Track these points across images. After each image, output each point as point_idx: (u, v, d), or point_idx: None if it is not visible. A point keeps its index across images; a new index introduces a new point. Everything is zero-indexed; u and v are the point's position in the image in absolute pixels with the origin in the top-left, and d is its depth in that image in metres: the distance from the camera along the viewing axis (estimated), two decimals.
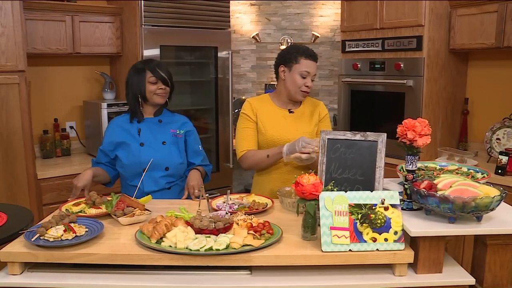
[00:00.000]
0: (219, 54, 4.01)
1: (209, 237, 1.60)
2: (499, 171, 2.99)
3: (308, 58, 2.29)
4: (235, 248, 1.55)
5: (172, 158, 2.35)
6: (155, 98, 2.34)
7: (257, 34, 4.58)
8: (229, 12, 4.04)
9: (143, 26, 3.51)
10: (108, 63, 4.01)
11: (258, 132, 2.36)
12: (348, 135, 1.90)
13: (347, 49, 3.86)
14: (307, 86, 2.30)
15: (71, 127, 3.84)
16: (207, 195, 1.93)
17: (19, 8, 2.94)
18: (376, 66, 3.63)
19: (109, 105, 3.51)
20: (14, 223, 1.88)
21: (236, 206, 2.02)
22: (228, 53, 4.02)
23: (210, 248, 1.54)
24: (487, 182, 1.81)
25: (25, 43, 3.06)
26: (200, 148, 2.49)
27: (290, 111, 2.39)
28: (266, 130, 2.34)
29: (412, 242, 1.62)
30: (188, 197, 2.26)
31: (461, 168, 2.05)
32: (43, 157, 3.62)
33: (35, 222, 1.96)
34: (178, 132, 2.40)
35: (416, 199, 1.67)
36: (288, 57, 2.31)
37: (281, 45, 4.55)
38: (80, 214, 1.92)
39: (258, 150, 2.34)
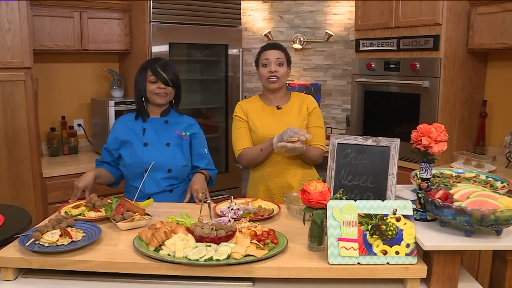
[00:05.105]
0: (230, 52, 3.93)
1: (210, 246, 1.52)
2: None
3: (267, 49, 2.41)
4: (236, 259, 1.47)
5: (175, 160, 2.29)
6: (155, 98, 2.29)
7: (269, 32, 4.49)
8: (240, 9, 3.96)
9: (152, 23, 3.45)
10: (116, 60, 3.96)
11: (250, 130, 2.44)
12: (359, 140, 1.80)
13: (361, 48, 3.75)
14: (271, 72, 2.35)
15: (79, 125, 3.80)
16: (209, 201, 1.85)
17: (25, 4, 2.90)
18: (390, 66, 3.52)
19: (116, 103, 3.46)
20: (11, 225, 1.83)
21: (241, 212, 1.94)
22: (239, 51, 3.93)
23: (210, 258, 1.46)
24: (509, 190, 1.71)
25: (32, 40, 3.01)
26: (206, 152, 2.42)
27: (278, 108, 2.44)
28: (257, 128, 2.40)
29: (426, 256, 1.52)
30: (191, 201, 2.19)
31: (479, 175, 1.94)
32: (50, 155, 3.58)
33: (39, 221, 1.90)
34: (183, 134, 2.34)
35: (430, 209, 1.57)
36: (256, 58, 2.45)
37: (294, 43, 4.45)
38: (79, 217, 1.86)
39: (252, 147, 2.41)
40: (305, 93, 4.01)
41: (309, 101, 2.47)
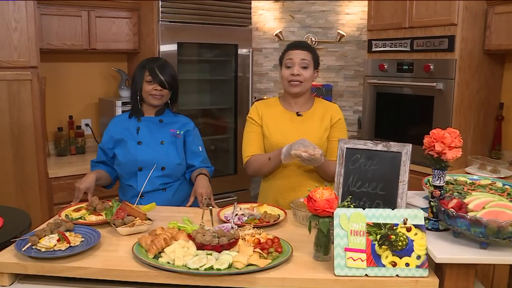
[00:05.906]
0: (240, 52, 3.86)
1: (211, 254, 1.46)
2: None
3: (292, 48, 2.21)
4: (238, 268, 1.41)
5: (169, 158, 2.26)
6: (150, 99, 2.27)
7: (280, 32, 4.42)
8: (250, 8, 3.89)
9: (160, 22, 3.40)
10: (125, 60, 3.92)
11: (263, 136, 2.26)
12: (369, 145, 1.72)
13: (373, 49, 3.66)
14: (293, 75, 2.16)
15: (87, 125, 3.77)
16: (211, 207, 1.78)
17: (33, 3, 2.87)
18: (404, 67, 3.42)
19: (124, 103, 3.42)
20: (10, 228, 1.79)
21: (246, 218, 1.88)
22: (249, 51, 3.87)
23: (211, 267, 1.40)
24: None
25: (39, 39, 2.98)
26: (200, 149, 2.38)
27: (298, 114, 2.24)
28: (271, 134, 2.22)
29: (437, 268, 1.44)
30: (194, 205, 2.13)
31: (495, 183, 1.85)
32: (57, 155, 3.55)
33: (44, 221, 1.86)
34: (178, 133, 2.32)
35: (443, 219, 1.49)
36: (281, 56, 2.27)
37: None
38: (79, 221, 1.82)
39: (261, 154, 2.23)
40: (315, 94, 3.95)
41: (334, 111, 2.25)
